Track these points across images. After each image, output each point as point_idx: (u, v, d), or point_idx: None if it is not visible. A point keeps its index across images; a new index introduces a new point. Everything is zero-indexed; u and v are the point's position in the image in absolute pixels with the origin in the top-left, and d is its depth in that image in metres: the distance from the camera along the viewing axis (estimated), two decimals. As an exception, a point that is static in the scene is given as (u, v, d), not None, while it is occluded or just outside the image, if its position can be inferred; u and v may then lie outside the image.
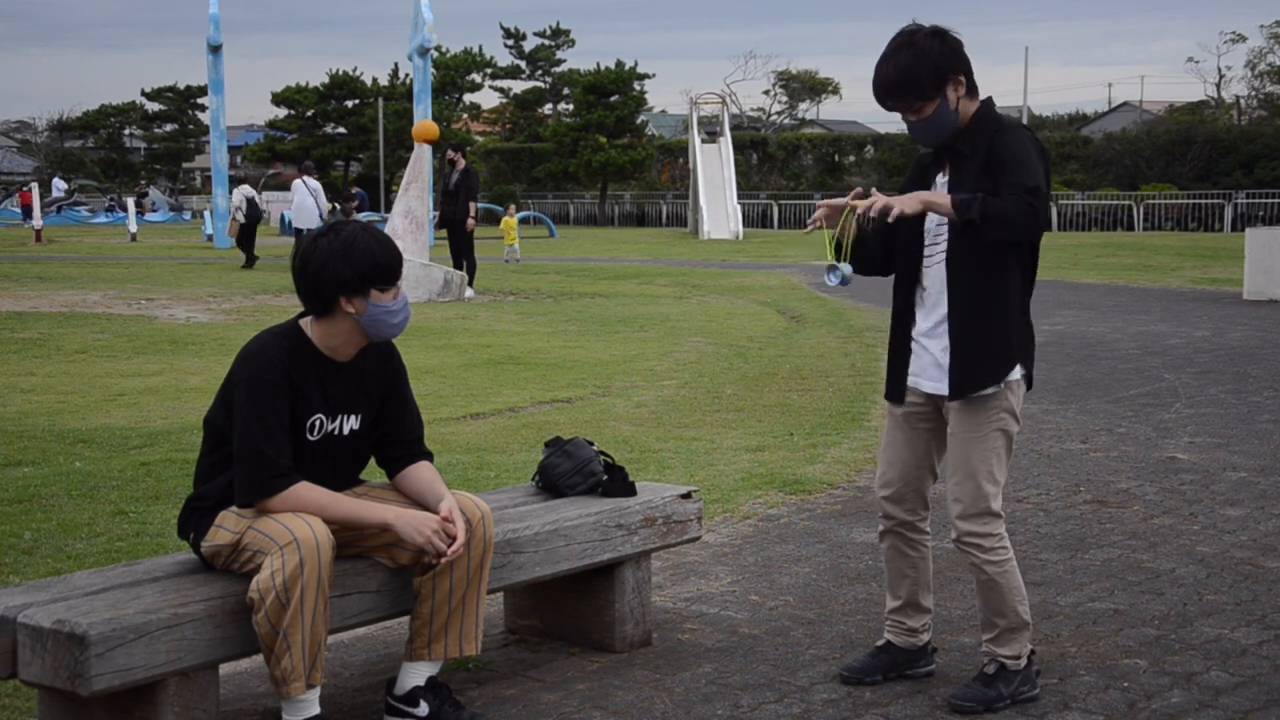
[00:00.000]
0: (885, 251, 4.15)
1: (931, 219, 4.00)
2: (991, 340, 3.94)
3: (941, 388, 3.99)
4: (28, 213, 46.48)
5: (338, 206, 39.99)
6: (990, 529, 3.97)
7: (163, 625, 3.36)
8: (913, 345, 4.07)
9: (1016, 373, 3.99)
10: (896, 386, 4.13)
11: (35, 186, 42.08)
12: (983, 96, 3.99)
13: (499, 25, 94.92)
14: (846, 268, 4.02)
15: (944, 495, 4.09)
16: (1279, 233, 18.62)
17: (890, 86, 3.89)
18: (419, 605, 3.81)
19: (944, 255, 3.96)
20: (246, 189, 27.50)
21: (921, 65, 3.84)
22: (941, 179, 4.02)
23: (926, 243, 4.02)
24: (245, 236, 26.42)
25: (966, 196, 3.79)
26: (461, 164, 19.41)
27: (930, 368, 4.02)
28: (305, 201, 26.52)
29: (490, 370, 11.43)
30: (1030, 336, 4.07)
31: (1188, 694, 4.09)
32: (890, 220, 3.86)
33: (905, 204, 3.83)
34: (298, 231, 27.56)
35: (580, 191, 59.60)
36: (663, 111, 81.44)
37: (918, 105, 3.88)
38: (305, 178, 27.42)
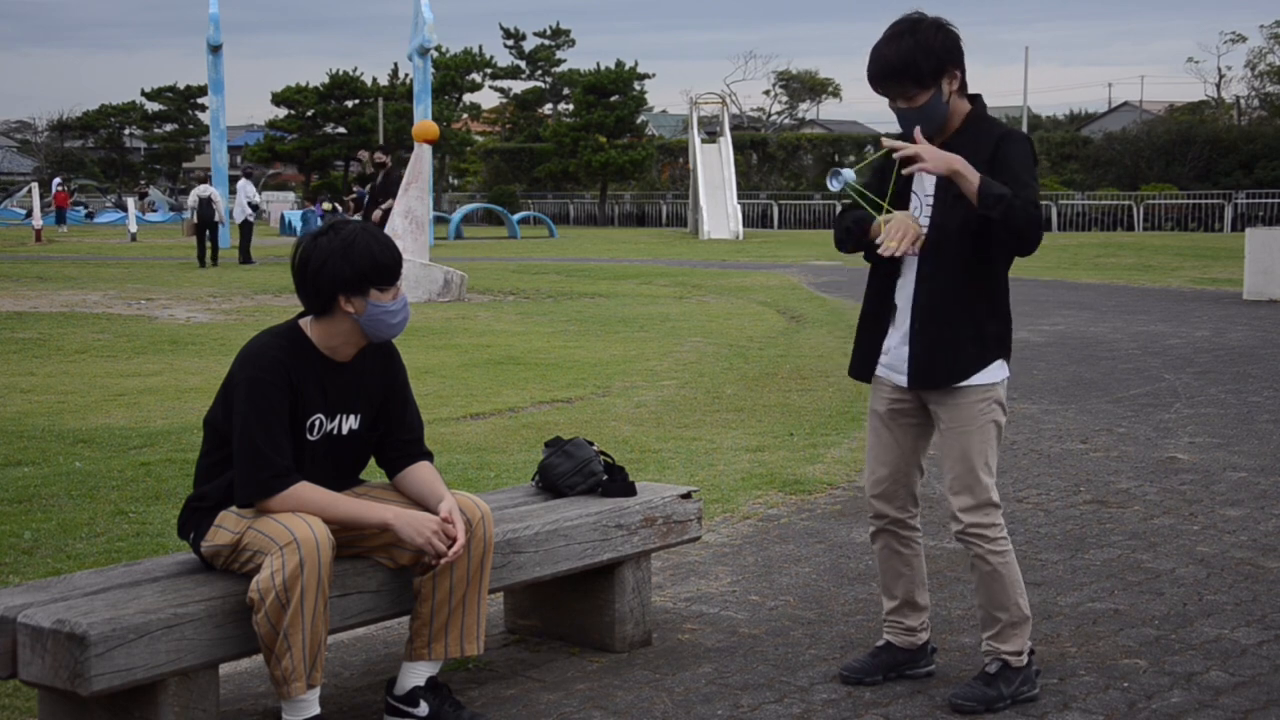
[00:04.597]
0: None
1: (915, 204, 3.98)
2: (972, 331, 3.94)
3: (922, 380, 3.98)
4: (61, 216, 46.34)
5: (337, 208, 39.96)
6: (993, 519, 3.99)
7: (163, 625, 3.36)
8: (894, 335, 4.05)
9: (1004, 368, 4.01)
10: (864, 366, 4.14)
11: (35, 186, 42.05)
12: (972, 94, 3.98)
13: (499, 25, 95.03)
14: (848, 172, 3.95)
15: (938, 493, 4.08)
16: (1279, 233, 18.63)
17: (889, 71, 3.86)
18: (419, 605, 3.81)
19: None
20: (203, 188, 27.74)
21: (922, 53, 3.82)
22: (930, 176, 3.98)
23: None
24: (199, 236, 26.52)
25: (996, 192, 3.75)
26: (387, 164, 20.06)
27: (901, 362, 4.03)
28: (240, 201, 27.98)
29: (490, 370, 11.43)
30: (1010, 328, 4.06)
31: (1188, 694, 4.09)
32: (906, 172, 3.85)
33: (932, 163, 3.79)
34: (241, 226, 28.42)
35: (580, 191, 59.62)
36: (663, 111, 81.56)
37: (913, 93, 3.87)
38: (243, 180, 28.57)
